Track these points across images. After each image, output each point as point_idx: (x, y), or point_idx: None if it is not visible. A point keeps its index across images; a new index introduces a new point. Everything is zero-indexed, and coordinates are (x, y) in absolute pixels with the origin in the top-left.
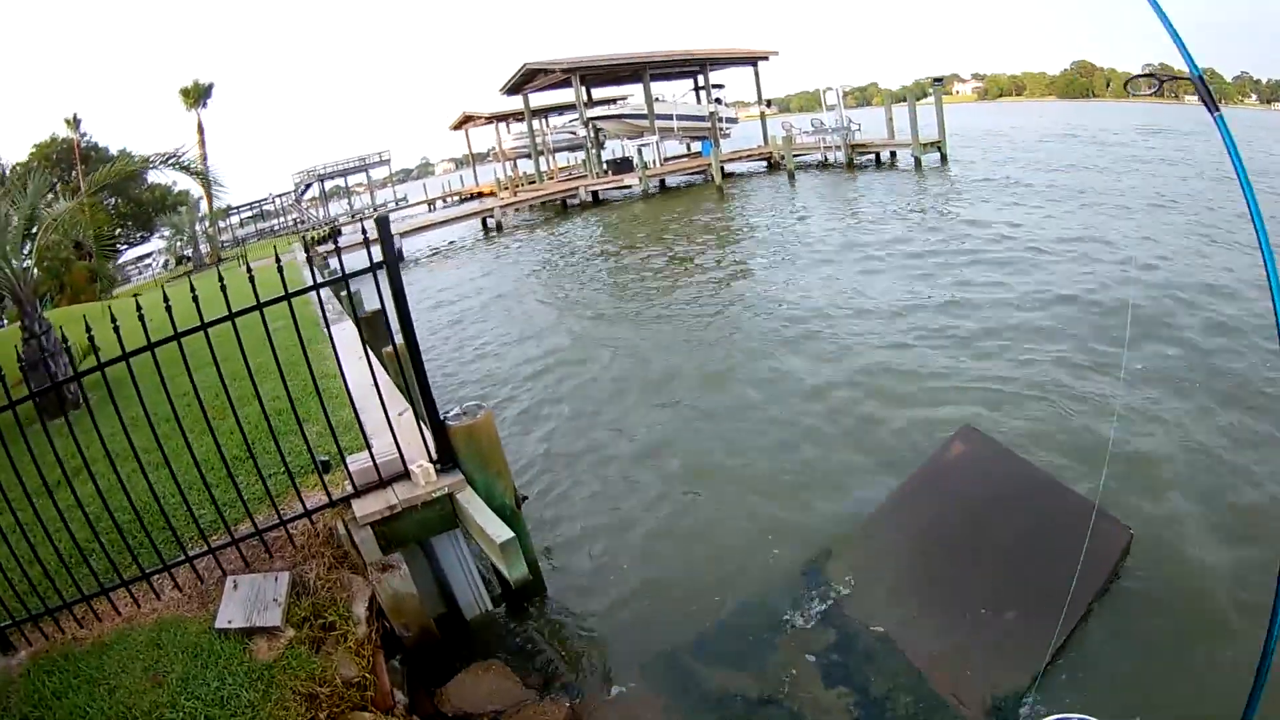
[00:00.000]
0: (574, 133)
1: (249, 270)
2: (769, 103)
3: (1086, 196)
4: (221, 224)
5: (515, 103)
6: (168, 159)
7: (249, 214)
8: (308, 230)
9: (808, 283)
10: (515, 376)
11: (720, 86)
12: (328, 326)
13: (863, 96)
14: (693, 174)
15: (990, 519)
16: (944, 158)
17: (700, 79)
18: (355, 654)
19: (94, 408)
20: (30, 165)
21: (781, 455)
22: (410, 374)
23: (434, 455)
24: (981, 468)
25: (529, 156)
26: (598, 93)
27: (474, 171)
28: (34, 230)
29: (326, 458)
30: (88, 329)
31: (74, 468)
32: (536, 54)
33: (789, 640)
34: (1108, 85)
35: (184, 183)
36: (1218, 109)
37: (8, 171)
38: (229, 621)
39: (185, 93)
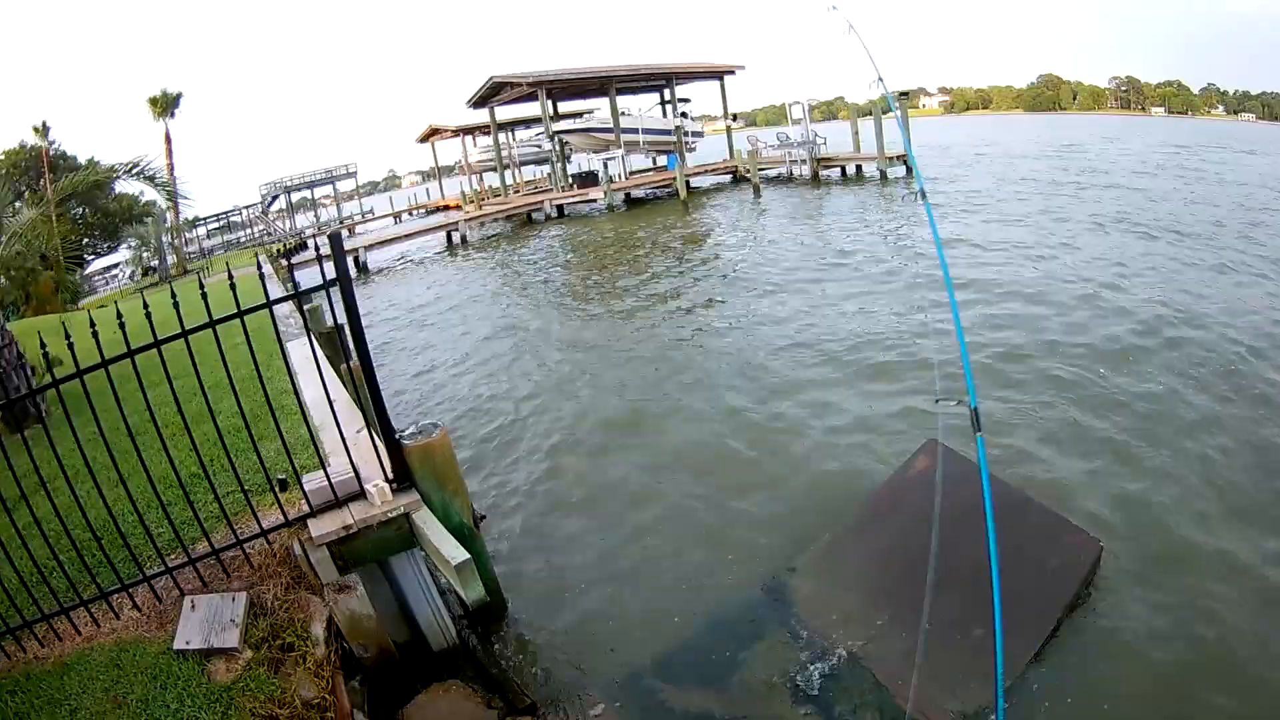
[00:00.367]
0: (540, 146)
1: (201, 287)
2: (735, 117)
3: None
4: (189, 235)
5: (482, 116)
6: (130, 169)
7: (216, 225)
8: (274, 243)
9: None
10: (470, 396)
11: (686, 100)
12: (281, 344)
13: (829, 110)
14: (658, 188)
15: (956, 534)
16: (909, 170)
17: (666, 93)
18: (314, 675)
19: (50, 425)
20: None
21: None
22: (365, 392)
23: (390, 474)
24: (947, 482)
25: (495, 170)
26: (564, 106)
27: (440, 184)
28: None
29: (284, 476)
30: (42, 345)
31: (31, 486)
32: (503, 68)
33: (754, 659)
34: (1074, 99)
35: (151, 193)
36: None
37: None
38: (187, 642)
39: (154, 102)
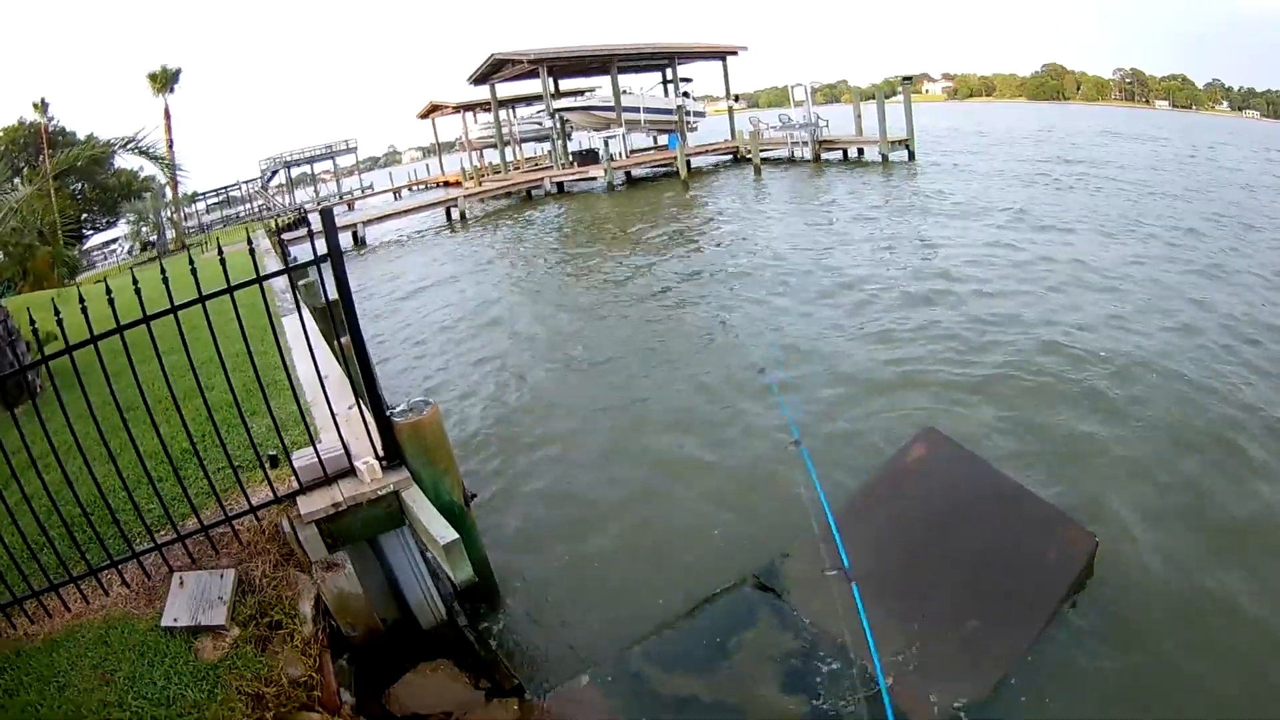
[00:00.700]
0: (540, 123)
1: (191, 262)
2: (737, 98)
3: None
4: (188, 210)
5: (482, 93)
6: (127, 143)
7: (215, 200)
8: (273, 217)
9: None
10: (462, 371)
11: (688, 80)
12: (271, 320)
13: (832, 93)
14: (658, 167)
15: (952, 525)
16: (911, 155)
17: (668, 72)
18: (302, 653)
19: (40, 401)
20: None
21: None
22: (355, 368)
23: (380, 452)
24: (943, 471)
25: (495, 146)
26: (565, 84)
27: (440, 161)
28: None
29: (274, 453)
30: (32, 321)
31: (21, 463)
32: (505, 44)
33: (744, 645)
34: (1078, 88)
35: (151, 168)
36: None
37: None
38: (175, 620)
39: (153, 78)
